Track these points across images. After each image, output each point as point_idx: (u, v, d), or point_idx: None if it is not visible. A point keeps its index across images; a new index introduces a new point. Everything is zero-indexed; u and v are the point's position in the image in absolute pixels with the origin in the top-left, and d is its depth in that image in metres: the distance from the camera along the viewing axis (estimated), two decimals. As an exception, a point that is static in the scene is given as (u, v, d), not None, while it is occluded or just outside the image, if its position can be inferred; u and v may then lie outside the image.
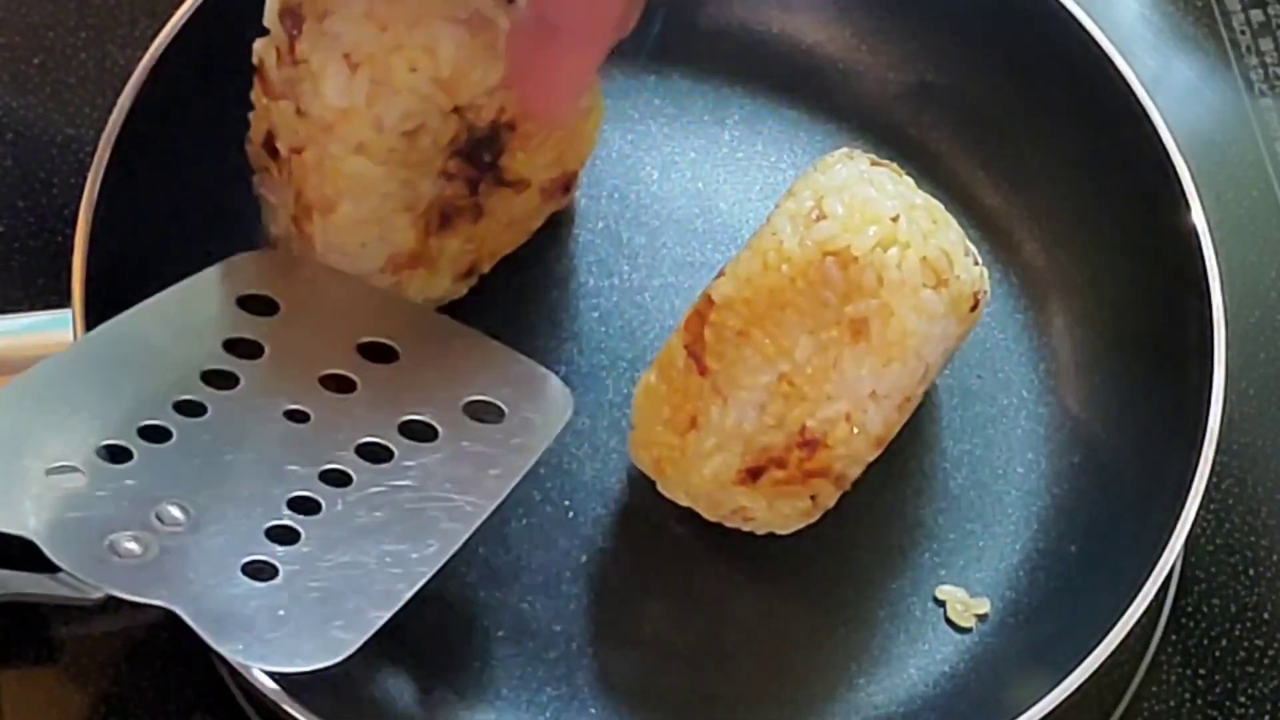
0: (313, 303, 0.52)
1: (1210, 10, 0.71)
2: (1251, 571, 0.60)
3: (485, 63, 0.51)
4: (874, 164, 0.53)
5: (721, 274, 0.52)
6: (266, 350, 0.50)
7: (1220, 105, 0.69)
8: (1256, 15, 0.71)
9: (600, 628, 0.55)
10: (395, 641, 0.49)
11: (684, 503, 0.54)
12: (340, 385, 0.50)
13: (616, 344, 0.59)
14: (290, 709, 0.48)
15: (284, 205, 0.53)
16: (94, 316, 0.52)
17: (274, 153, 0.52)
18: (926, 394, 0.58)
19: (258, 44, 0.51)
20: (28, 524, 0.45)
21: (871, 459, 0.53)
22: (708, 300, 0.51)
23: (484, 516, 0.48)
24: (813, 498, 0.53)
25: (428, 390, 0.50)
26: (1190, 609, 0.60)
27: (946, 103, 0.63)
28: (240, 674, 0.49)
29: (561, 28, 0.47)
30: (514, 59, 0.50)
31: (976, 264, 0.53)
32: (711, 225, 0.61)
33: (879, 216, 0.50)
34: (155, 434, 0.48)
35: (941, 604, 0.56)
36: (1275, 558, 0.61)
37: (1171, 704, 0.58)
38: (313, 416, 0.49)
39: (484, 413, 0.50)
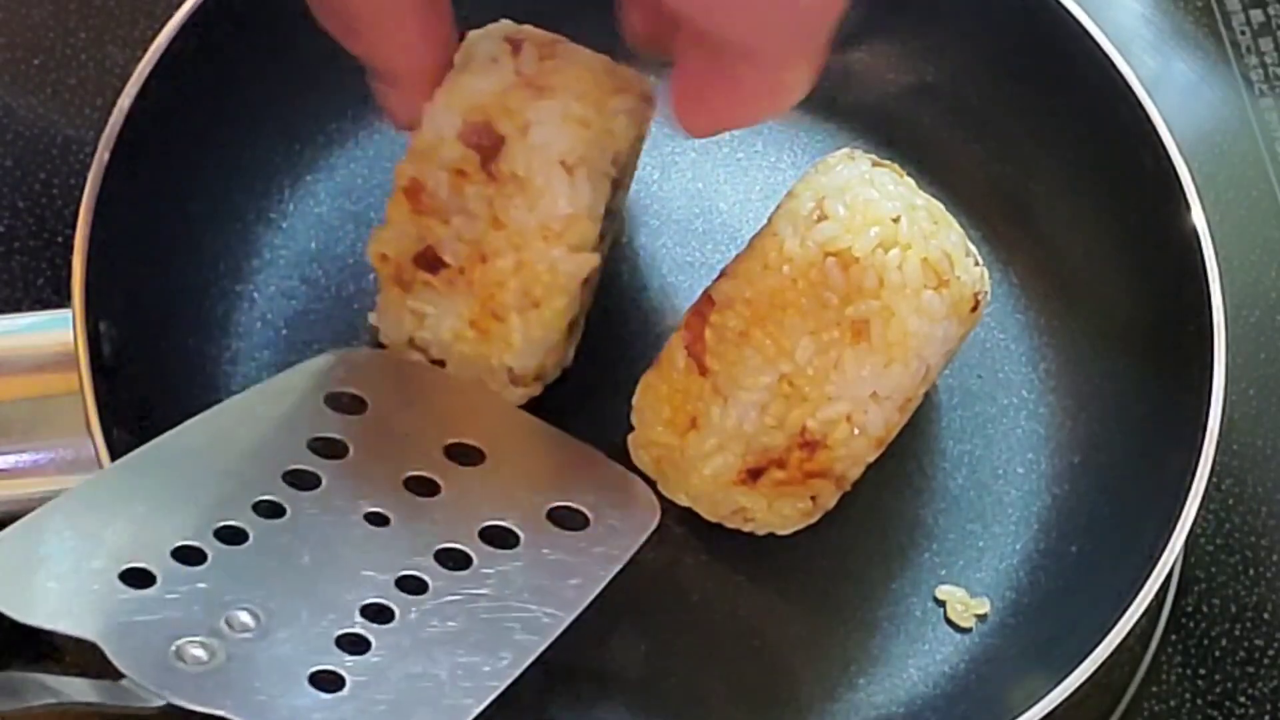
0: (401, 401, 0.51)
1: (1210, 10, 0.71)
2: (1251, 571, 0.60)
3: (637, 121, 0.52)
4: (875, 165, 0.53)
5: (723, 274, 0.52)
6: (351, 450, 0.50)
7: (1220, 105, 0.69)
8: (1256, 15, 0.71)
9: (600, 629, 0.55)
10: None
11: (684, 503, 0.54)
12: (423, 487, 0.49)
13: (616, 344, 0.58)
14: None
15: (453, 313, 0.52)
16: (94, 316, 0.52)
17: (435, 266, 0.52)
18: (926, 394, 0.58)
19: (410, 166, 0.51)
20: (94, 627, 0.44)
21: (872, 459, 0.53)
22: (708, 300, 0.51)
23: (561, 629, 0.47)
24: (813, 498, 0.53)
25: (512, 494, 0.49)
26: (1190, 609, 0.60)
27: (946, 103, 0.63)
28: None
29: (752, 55, 0.45)
30: (682, 79, 0.48)
31: (977, 265, 0.53)
32: (711, 225, 0.61)
33: (880, 217, 0.50)
34: (231, 535, 0.47)
35: (941, 604, 0.56)
36: (1275, 558, 0.61)
37: (1171, 704, 0.58)
38: (393, 520, 0.49)
39: (568, 518, 0.49)
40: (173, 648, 0.44)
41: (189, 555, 0.47)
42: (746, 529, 0.54)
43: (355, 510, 0.49)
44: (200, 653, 0.45)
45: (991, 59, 0.62)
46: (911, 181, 0.53)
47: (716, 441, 0.51)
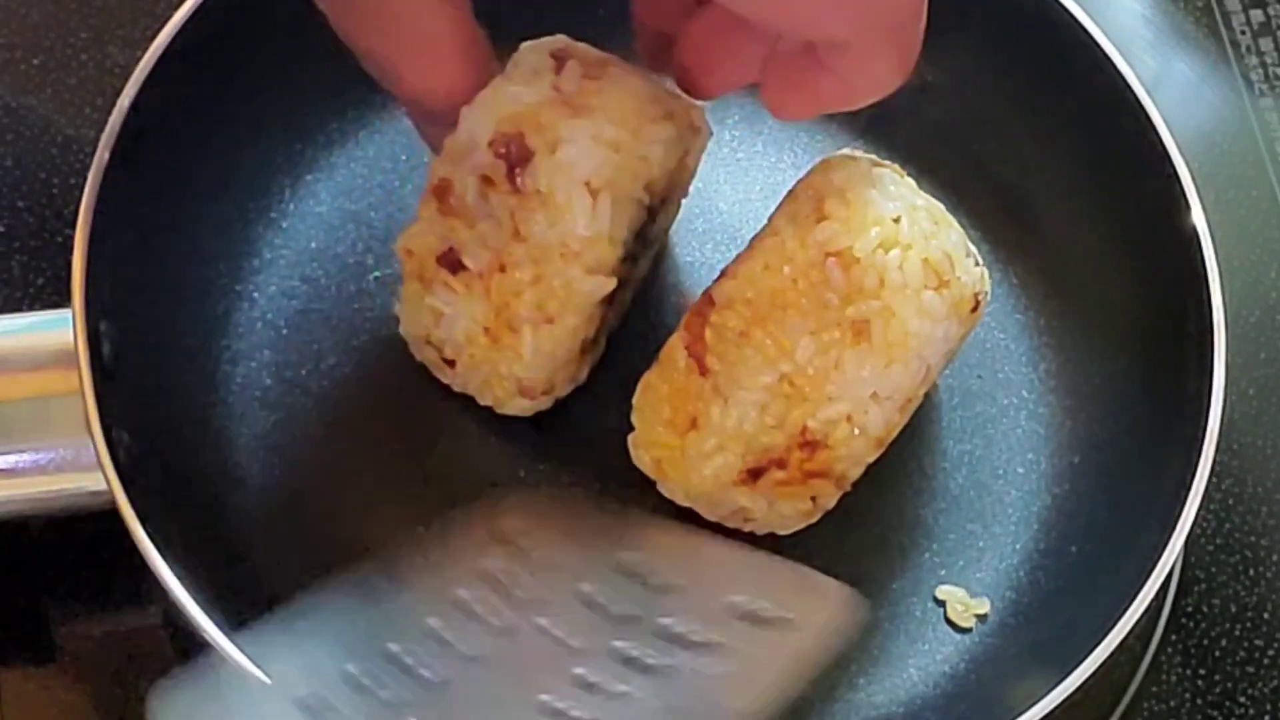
0: (553, 536, 0.51)
1: (1210, 10, 0.71)
2: (1251, 571, 0.60)
3: (677, 151, 0.52)
4: (875, 165, 0.53)
5: (723, 274, 0.52)
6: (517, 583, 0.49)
7: (1220, 105, 0.69)
8: (1256, 15, 0.71)
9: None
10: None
11: (684, 503, 0.54)
12: (597, 606, 0.49)
13: (617, 344, 0.58)
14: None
15: (468, 316, 0.52)
16: (94, 316, 0.52)
17: (456, 267, 0.52)
18: (926, 394, 0.58)
19: (442, 166, 0.51)
20: None
21: (872, 459, 0.53)
22: (709, 300, 0.51)
23: None
24: (813, 499, 0.53)
25: (691, 602, 0.48)
26: (1190, 609, 0.60)
27: (947, 103, 0.63)
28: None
29: (844, 48, 0.46)
30: (776, 65, 0.48)
31: (977, 265, 0.53)
32: (711, 225, 0.61)
33: (881, 218, 0.50)
34: (399, 668, 0.47)
35: (941, 604, 0.56)
36: (1275, 558, 0.61)
37: (1171, 704, 0.58)
38: (566, 624, 0.48)
39: (756, 618, 0.48)
40: None
41: (358, 685, 0.46)
42: (747, 529, 0.54)
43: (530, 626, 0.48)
44: None
45: (992, 59, 0.62)
46: (911, 182, 0.53)
47: (716, 441, 0.51)
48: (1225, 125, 0.69)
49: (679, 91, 0.53)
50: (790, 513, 0.53)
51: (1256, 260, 0.66)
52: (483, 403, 0.55)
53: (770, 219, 0.52)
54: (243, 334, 0.58)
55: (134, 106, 0.55)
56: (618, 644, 0.47)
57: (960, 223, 0.54)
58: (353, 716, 0.45)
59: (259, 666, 0.46)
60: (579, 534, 0.51)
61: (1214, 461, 0.53)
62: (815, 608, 0.48)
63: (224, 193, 0.59)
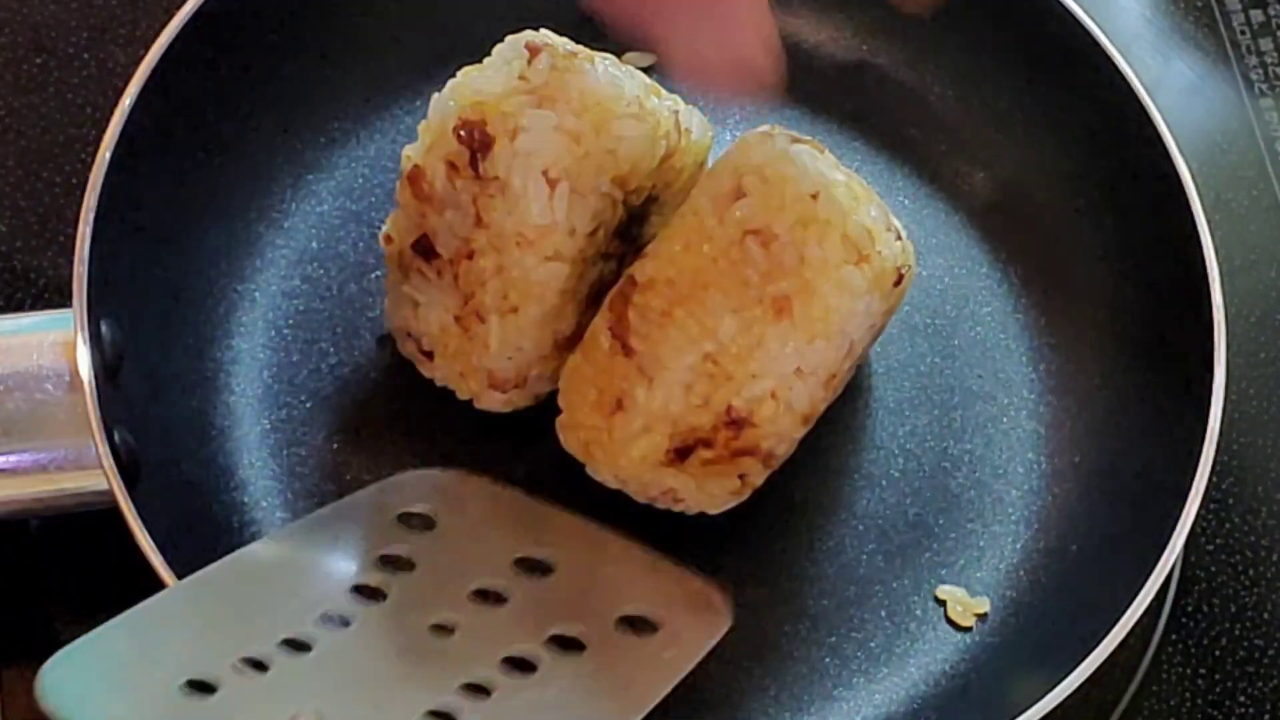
0: (471, 519, 0.52)
1: (1210, 10, 0.71)
2: (1251, 571, 0.60)
3: (651, 150, 0.52)
4: (794, 140, 0.52)
5: (644, 254, 0.52)
6: (420, 565, 0.50)
7: (1220, 105, 0.69)
8: (1256, 15, 0.71)
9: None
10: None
11: (614, 485, 0.54)
12: (492, 599, 0.50)
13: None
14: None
15: (441, 305, 0.53)
16: (94, 316, 0.52)
17: (429, 254, 0.53)
18: (925, 394, 0.58)
19: (413, 151, 0.52)
20: None
21: (799, 436, 0.53)
22: (630, 281, 0.51)
23: None
24: (741, 477, 0.53)
25: (580, 602, 0.50)
26: (1190, 609, 0.60)
27: (947, 103, 0.63)
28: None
29: None
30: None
31: (899, 239, 0.53)
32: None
33: (799, 194, 0.50)
34: (296, 646, 0.47)
35: (941, 604, 0.56)
36: (1275, 558, 0.61)
37: (1171, 704, 0.58)
38: (459, 630, 0.49)
39: (637, 625, 0.49)
40: None
41: (252, 666, 0.46)
42: (677, 509, 0.54)
43: (421, 621, 0.49)
44: None
45: (993, 60, 0.62)
46: (832, 158, 0.52)
47: (643, 423, 0.51)
48: (1225, 125, 0.69)
49: (669, 91, 0.53)
50: (718, 492, 0.53)
51: (1256, 260, 0.66)
52: (461, 396, 0.55)
53: (690, 196, 0.52)
54: (243, 334, 0.58)
55: (135, 106, 0.55)
56: (507, 651, 0.48)
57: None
58: (235, 699, 0.46)
59: (144, 646, 0.46)
60: (484, 525, 0.52)
61: (1214, 461, 0.53)
62: (695, 620, 0.50)
63: (225, 192, 0.59)
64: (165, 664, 0.46)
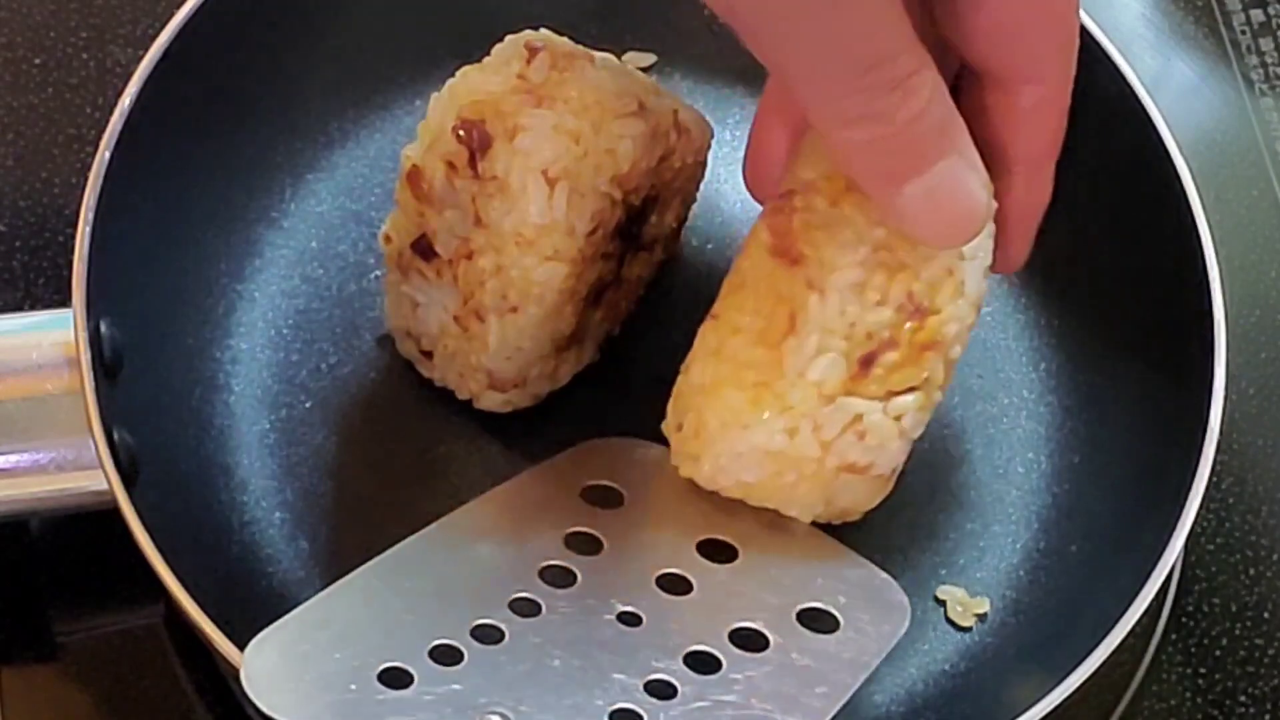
0: (657, 496, 0.51)
1: (1210, 10, 0.71)
2: (1251, 571, 0.60)
3: (650, 149, 0.52)
4: None
5: (793, 165, 0.50)
6: (606, 545, 0.50)
7: (1220, 105, 0.69)
8: (1256, 15, 0.71)
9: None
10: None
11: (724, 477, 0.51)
12: (675, 586, 0.49)
13: (616, 344, 0.58)
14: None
15: (440, 304, 0.53)
16: (94, 316, 0.52)
17: (428, 254, 0.53)
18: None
19: (412, 151, 0.52)
20: None
21: (971, 324, 0.50)
22: (789, 194, 0.49)
23: None
24: (926, 380, 0.50)
25: (762, 594, 0.49)
26: (1190, 609, 0.60)
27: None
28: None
29: (1019, 164, 0.48)
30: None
31: None
32: (712, 225, 0.61)
33: None
34: (487, 634, 0.47)
35: (941, 604, 0.56)
36: (1275, 558, 0.61)
37: (1171, 704, 0.58)
38: (644, 619, 0.48)
39: (818, 619, 0.49)
40: None
41: (446, 655, 0.46)
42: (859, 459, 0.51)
43: (608, 609, 0.48)
44: None
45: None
46: None
47: (817, 340, 0.48)
48: (1225, 125, 0.69)
49: (668, 91, 0.53)
50: (904, 411, 0.50)
51: (1256, 260, 0.66)
52: (461, 397, 0.56)
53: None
54: (243, 334, 0.58)
55: (135, 106, 0.55)
56: (691, 646, 0.48)
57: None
58: (431, 689, 0.45)
59: (344, 633, 0.46)
60: (669, 502, 0.51)
61: (1214, 461, 0.53)
62: (876, 617, 0.49)
63: (224, 192, 0.59)
64: (362, 649, 0.46)
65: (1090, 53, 0.59)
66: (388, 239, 0.54)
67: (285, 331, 0.59)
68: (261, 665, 0.44)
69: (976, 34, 0.45)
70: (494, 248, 0.51)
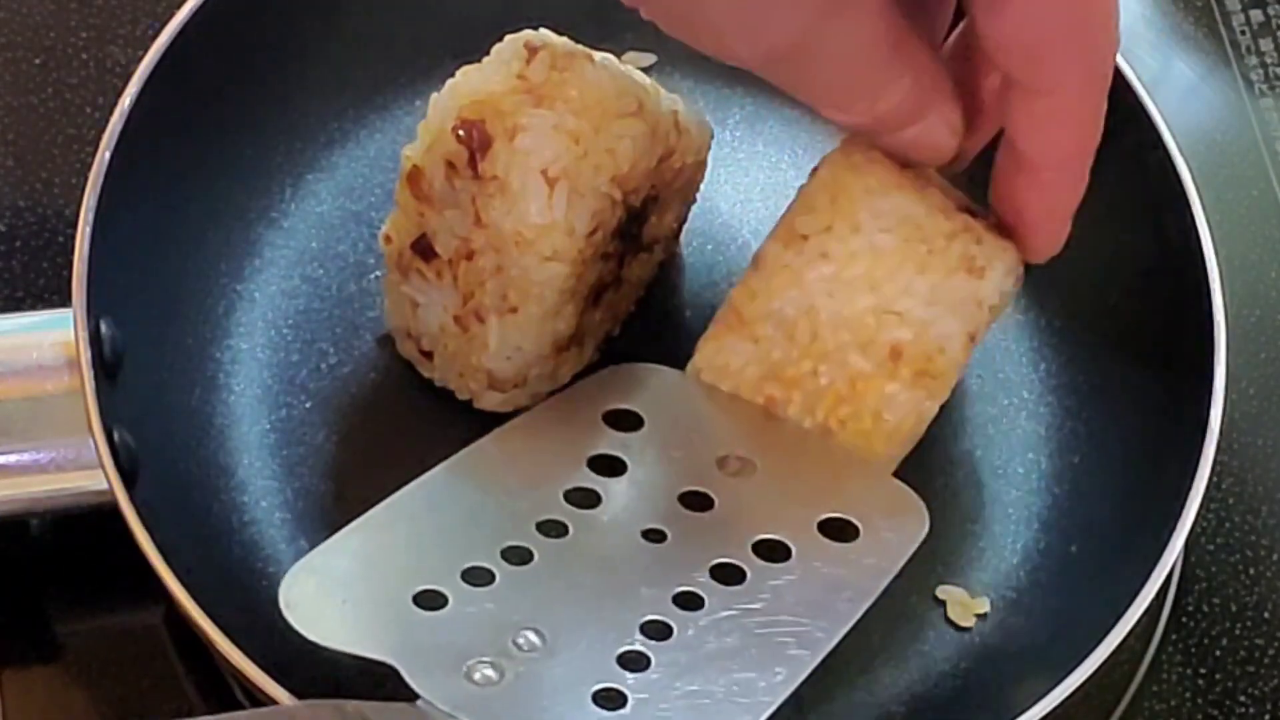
0: (675, 417, 0.52)
1: (1210, 10, 0.71)
2: (1251, 571, 0.60)
3: (650, 149, 0.52)
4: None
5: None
6: (629, 467, 0.50)
7: (1220, 105, 0.69)
8: (1256, 15, 0.71)
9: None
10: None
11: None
12: (698, 502, 0.50)
13: (616, 343, 0.58)
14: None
15: (440, 305, 0.53)
16: (94, 316, 0.52)
17: (428, 254, 0.53)
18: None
19: (412, 151, 0.52)
20: (391, 650, 0.45)
21: None
22: None
23: (833, 643, 0.46)
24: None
25: (783, 507, 0.49)
26: (1190, 609, 0.60)
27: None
28: (242, 674, 0.49)
29: (1042, 165, 0.48)
30: (1002, 198, 0.50)
31: None
32: (713, 226, 0.61)
33: None
34: (517, 556, 0.48)
35: (941, 603, 0.56)
36: (1275, 558, 0.61)
37: (1171, 704, 0.58)
38: (669, 536, 0.49)
39: (838, 530, 0.49)
40: (464, 668, 0.45)
41: (478, 576, 0.47)
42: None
43: (634, 528, 0.49)
44: (491, 672, 0.45)
45: (992, 59, 0.61)
46: None
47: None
48: (1225, 125, 0.69)
49: (668, 91, 0.53)
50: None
51: (1256, 260, 0.66)
52: (460, 397, 0.56)
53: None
54: (243, 334, 0.58)
55: (135, 106, 0.55)
56: (716, 559, 0.48)
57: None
58: (465, 609, 0.46)
59: (377, 559, 0.48)
60: (687, 422, 0.52)
61: (1214, 461, 0.53)
62: (895, 524, 0.49)
63: (225, 192, 0.59)
64: (396, 574, 0.47)
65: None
66: (388, 239, 0.54)
67: (285, 331, 0.59)
68: (299, 594, 0.45)
69: (993, 44, 0.45)
70: (494, 248, 0.51)
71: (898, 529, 0.49)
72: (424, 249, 0.53)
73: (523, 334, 0.53)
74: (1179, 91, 0.69)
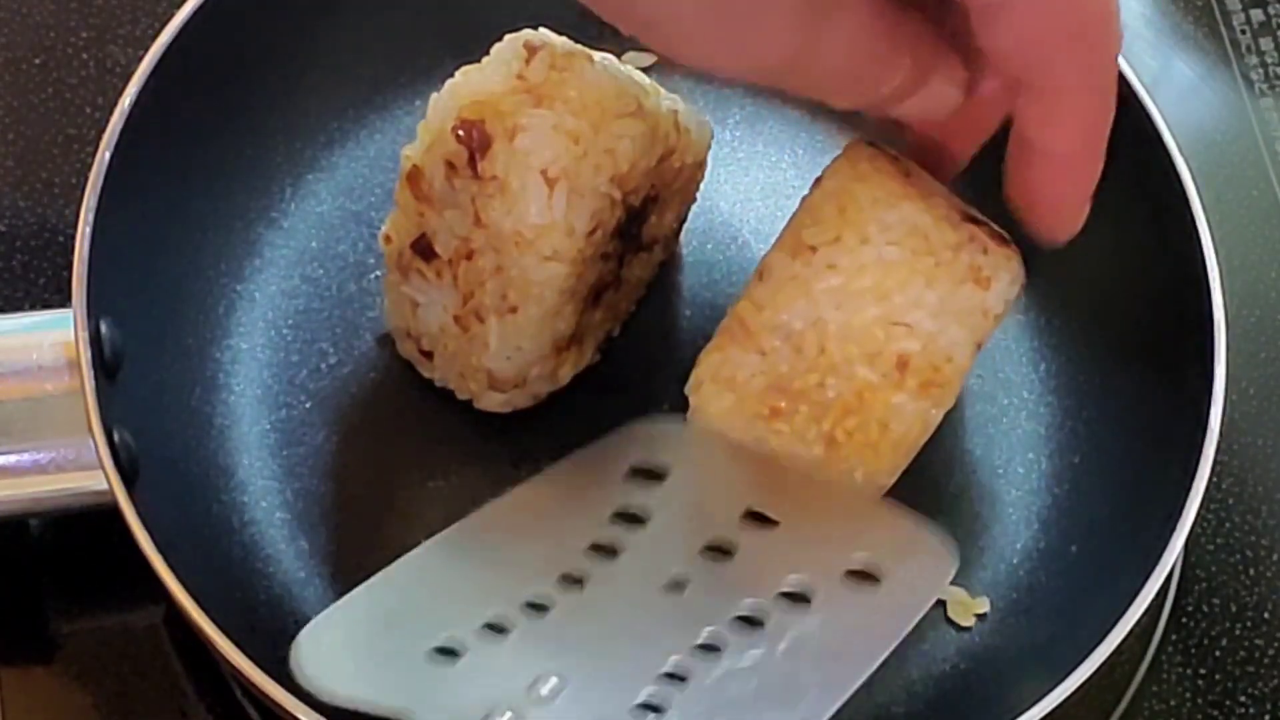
0: (700, 470, 0.52)
1: (1210, 10, 0.71)
2: (1251, 571, 0.60)
3: (650, 149, 0.52)
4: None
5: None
6: (651, 521, 0.50)
7: (1220, 105, 0.69)
8: (1256, 15, 0.71)
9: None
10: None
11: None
12: (720, 551, 0.50)
13: (621, 341, 0.58)
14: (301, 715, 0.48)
15: (440, 305, 0.53)
16: (94, 316, 0.52)
17: (428, 254, 0.53)
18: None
19: (412, 151, 0.52)
20: (409, 702, 0.45)
21: None
22: None
23: (855, 687, 0.46)
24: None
25: (806, 556, 0.49)
26: (1190, 609, 0.60)
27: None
28: (242, 674, 0.49)
29: (1056, 154, 0.48)
30: (1015, 186, 0.50)
31: None
32: (713, 225, 0.61)
33: None
34: (536, 607, 0.48)
35: (941, 603, 0.56)
36: (1275, 558, 0.61)
37: (1171, 704, 0.58)
38: (689, 586, 0.49)
39: (862, 576, 0.49)
40: (481, 717, 0.45)
41: (497, 628, 0.47)
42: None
43: (655, 579, 0.49)
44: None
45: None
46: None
47: None
48: (1225, 125, 0.69)
49: (668, 91, 0.53)
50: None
51: (1256, 260, 0.66)
52: (460, 397, 0.56)
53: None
54: (243, 334, 0.58)
55: (135, 106, 0.55)
56: (739, 608, 0.48)
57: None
58: (482, 660, 0.46)
59: (391, 614, 0.48)
60: (712, 477, 0.52)
61: (1214, 461, 0.53)
62: (920, 569, 0.49)
63: (224, 193, 0.59)
64: (412, 632, 0.47)
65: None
66: (388, 239, 0.54)
67: (285, 331, 0.59)
68: (313, 650, 0.45)
69: (994, 54, 0.45)
70: (494, 248, 0.51)
71: (923, 572, 0.49)
72: (424, 249, 0.53)
73: (523, 334, 0.53)
74: (1179, 91, 0.69)
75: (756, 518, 0.50)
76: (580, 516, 0.50)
